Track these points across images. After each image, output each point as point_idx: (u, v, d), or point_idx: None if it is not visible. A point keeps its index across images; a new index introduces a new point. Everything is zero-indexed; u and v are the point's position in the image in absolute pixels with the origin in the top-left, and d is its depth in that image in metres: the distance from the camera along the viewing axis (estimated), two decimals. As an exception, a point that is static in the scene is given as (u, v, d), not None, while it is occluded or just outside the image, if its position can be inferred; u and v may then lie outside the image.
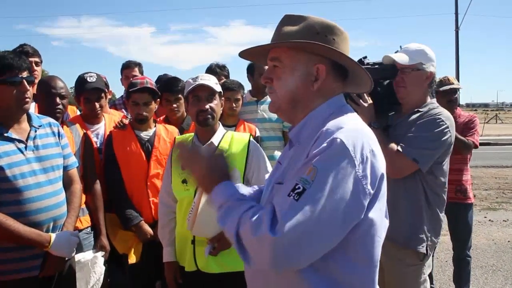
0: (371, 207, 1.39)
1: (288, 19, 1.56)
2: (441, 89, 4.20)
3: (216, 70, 4.55)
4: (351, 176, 1.32)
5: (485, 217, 7.80)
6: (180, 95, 3.68)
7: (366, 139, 1.40)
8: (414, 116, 2.72)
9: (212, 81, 2.70)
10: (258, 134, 3.89)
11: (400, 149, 2.58)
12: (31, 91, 2.45)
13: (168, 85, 3.74)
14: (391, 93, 2.75)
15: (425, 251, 2.67)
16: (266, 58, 1.63)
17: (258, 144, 2.90)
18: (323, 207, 1.27)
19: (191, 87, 2.66)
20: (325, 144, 1.34)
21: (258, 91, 4.15)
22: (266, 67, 1.62)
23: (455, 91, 4.28)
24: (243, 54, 1.69)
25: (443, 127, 2.60)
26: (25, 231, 2.35)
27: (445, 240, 4.64)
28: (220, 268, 2.58)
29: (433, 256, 4.25)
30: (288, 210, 1.28)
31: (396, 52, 2.76)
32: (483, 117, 43.29)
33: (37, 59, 3.83)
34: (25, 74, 2.41)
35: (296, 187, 1.30)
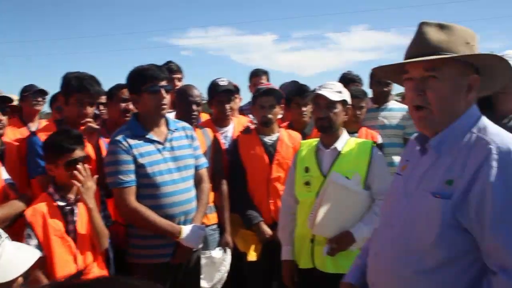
0: None
1: (430, 27, 1.56)
2: None
3: (354, 79, 4.55)
4: None
5: None
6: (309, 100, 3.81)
7: None
8: None
9: (334, 90, 2.76)
10: (380, 141, 3.87)
11: None
12: (168, 98, 2.75)
13: (300, 90, 3.88)
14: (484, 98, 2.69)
15: None
16: (393, 72, 1.68)
17: (381, 152, 2.91)
18: None
19: (312, 95, 2.80)
20: None
21: (379, 98, 4.15)
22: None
23: None
24: (378, 70, 1.77)
25: None
26: (160, 222, 2.65)
27: None
28: (335, 268, 2.62)
29: None
30: None
31: None
32: None
33: (179, 76, 4.31)
34: (163, 83, 2.71)
35: None
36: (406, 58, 1.58)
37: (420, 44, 1.55)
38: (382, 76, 3.21)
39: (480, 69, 1.56)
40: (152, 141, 2.73)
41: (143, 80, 2.68)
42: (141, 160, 2.65)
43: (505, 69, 1.57)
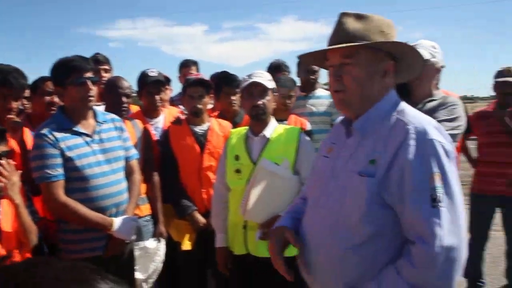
0: None
1: (348, 17, 1.67)
2: (498, 80, 4.11)
3: (282, 67, 4.66)
4: (454, 167, 1.55)
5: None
6: (238, 90, 3.86)
7: (442, 130, 1.61)
8: (431, 104, 2.86)
9: (265, 78, 2.86)
10: (309, 127, 4.00)
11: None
12: (95, 90, 2.71)
13: (228, 79, 3.93)
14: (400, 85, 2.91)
15: None
16: (320, 59, 1.78)
17: (310, 138, 3.01)
18: (457, 197, 1.52)
19: (245, 84, 2.85)
20: (429, 148, 1.52)
21: (306, 86, 4.31)
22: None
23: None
24: (304, 57, 1.87)
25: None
26: (91, 215, 2.61)
27: (497, 235, 4.55)
28: (268, 253, 2.73)
29: (484, 251, 4.20)
30: (442, 219, 1.47)
31: None
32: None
33: (107, 67, 4.19)
34: (89, 74, 2.66)
35: (433, 197, 1.49)
36: (327, 46, 1.69)
37: (339, 33, 1.67)
38: (312, 63, 3.32)
39: (398, 57, 1.69)
40: (79, 134, 2.68)
41: (68, 72, 2.62)
42: (69, 153, 2.60)
43: (416, 57, 1.72)
